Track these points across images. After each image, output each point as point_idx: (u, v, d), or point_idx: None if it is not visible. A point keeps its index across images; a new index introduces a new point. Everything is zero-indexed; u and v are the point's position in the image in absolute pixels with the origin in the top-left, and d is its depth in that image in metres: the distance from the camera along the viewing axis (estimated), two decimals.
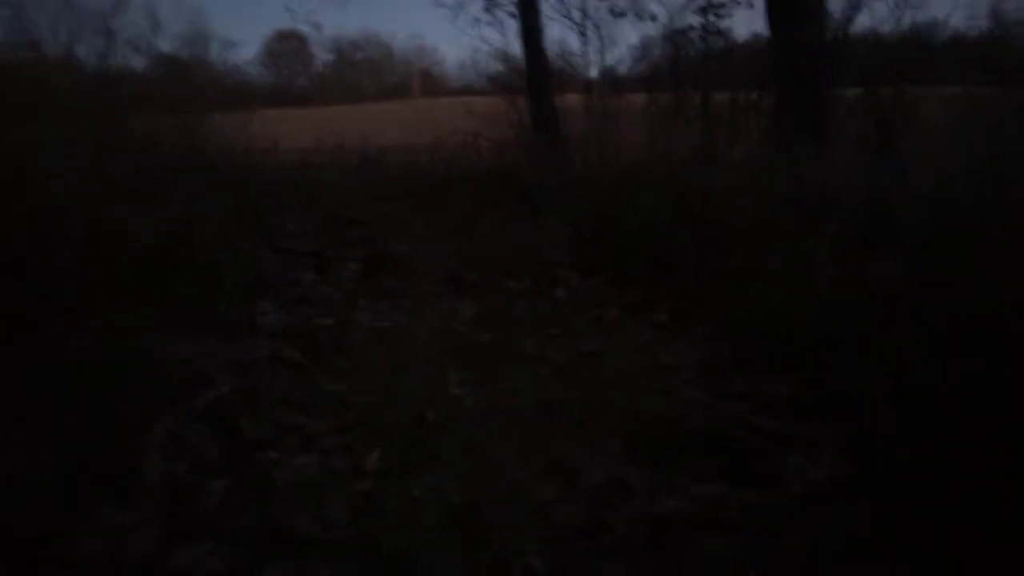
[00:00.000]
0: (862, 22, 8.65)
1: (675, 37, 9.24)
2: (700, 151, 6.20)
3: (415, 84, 35.36)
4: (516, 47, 9.00)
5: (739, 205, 4.02)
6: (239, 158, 8.78)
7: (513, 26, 8.69)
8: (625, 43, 10.52)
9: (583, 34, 8.33)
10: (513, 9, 8.51)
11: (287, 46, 41.94)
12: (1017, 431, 2.00)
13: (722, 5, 9.33)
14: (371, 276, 3.78)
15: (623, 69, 10.31)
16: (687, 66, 9.31)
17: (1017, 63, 10.90)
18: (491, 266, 3.90)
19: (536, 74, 8.43)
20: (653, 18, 9.33)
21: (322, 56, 42.09)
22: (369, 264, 3.95)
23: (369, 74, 42.71)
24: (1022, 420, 2.04)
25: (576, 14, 8.51)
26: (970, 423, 2.07)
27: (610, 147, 7.90)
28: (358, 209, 5.52)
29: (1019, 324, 2.52)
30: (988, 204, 3.71)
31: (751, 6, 9.43)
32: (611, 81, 9.31)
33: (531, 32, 8.39)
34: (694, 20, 9.15)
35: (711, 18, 9.14)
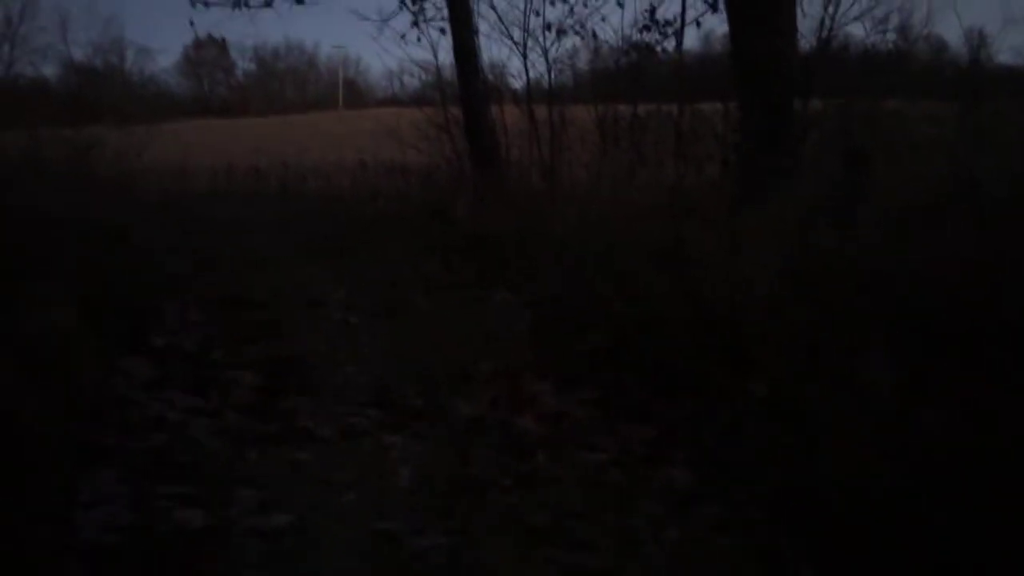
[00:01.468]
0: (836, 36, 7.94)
1: (623, 54, 8.44)
2: (671, 194, 5.35)
3: (339, 95, 34.28)
4: (447, 63, 8.07)
5: (744, 283, 3.15)
6: (125, 193, 7.62)
7: (444, 42, 7.75)
8: (568, 58, 9.61)
9: (523, 54, 7.42)
10: (444, 25, 7.55)
11: (207, 55, 40.21)
12: None
13: (668, 23, 8.56)
14: (270, 399, 2.76)
15: (567, 84, 9.46)
16: (640, 80, 8.47)
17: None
18: (433, 375, 2.93)
19: (472, 95, 7.49)
20: (595, 36, 8.53)
21: (243, 65, 40.52)
22: (270, 376, 2.94)
23: (292, 84, 41.49)
24: None
25: (515, 32, 7.60)
26: None
27: (560, 183, 7.00)
28: (266, 275, 4.48)
29: None
30: None
31: (698, 25, 8.69)
32: (555, 99, 8.42)
33: (465, 49, 7.45)
34: (640, 38, 8.39)
35: (657, 36, 8.37)
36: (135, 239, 4.67)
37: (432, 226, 6.09)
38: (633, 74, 8.47)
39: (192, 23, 8.38)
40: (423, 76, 9.11)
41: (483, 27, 7.73)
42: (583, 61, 9.49)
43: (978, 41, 10.93)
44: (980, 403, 2.25)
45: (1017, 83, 10.07)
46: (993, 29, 14.91)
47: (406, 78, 9.10)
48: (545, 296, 3.61)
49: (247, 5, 8.22)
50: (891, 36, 9.44)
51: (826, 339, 2.60)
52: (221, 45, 36.73)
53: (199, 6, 8.16)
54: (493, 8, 7.75)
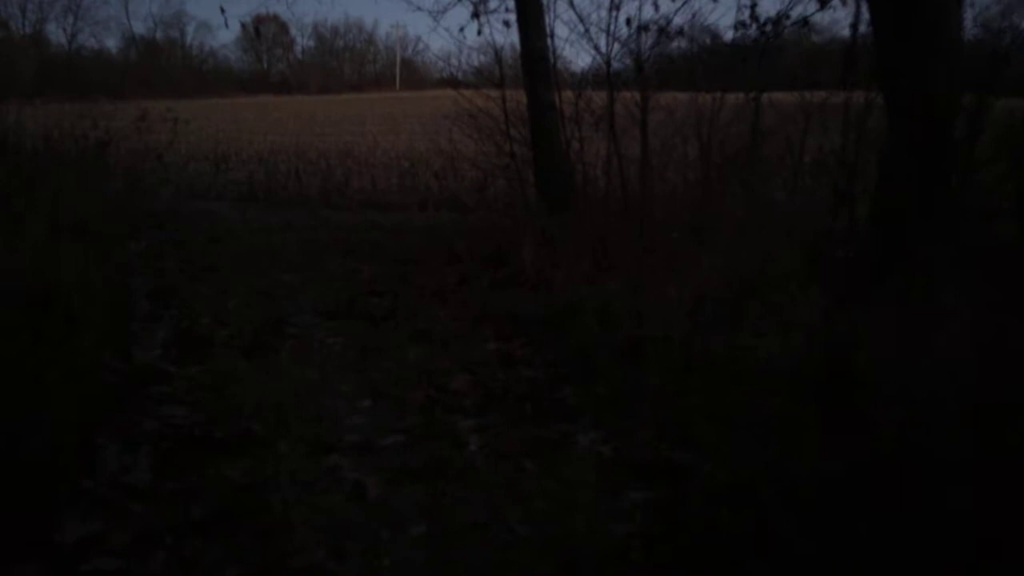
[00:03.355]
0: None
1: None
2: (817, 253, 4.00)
3: (396, 75, 33.57)
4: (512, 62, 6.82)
5: None
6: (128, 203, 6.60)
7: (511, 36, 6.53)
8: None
9: (607, 61, 6.02)
10: (510, 18, 6.33)
11: (266, 30, 39.59)
12: None
13: (770, 21, 6.93)
14: None
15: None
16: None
17: None
18: None
19: (540, 107, 6.25)
20: (681, 33, 7.06)
21: (303, 42, 39.93)
22: None
23: (350, 62, 40.97)
24: None
25: (597, 35, 6.19)
26: None
27: (653, 220, 5.68)
28: (268, 368, 3.35)
29: None
30: None
31: (805, 23, 7.12)
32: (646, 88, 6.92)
33: (534, 53, 6.21)
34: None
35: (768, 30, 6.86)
36: (97, 295, 3.57)
37: (487, 274, 4.93)
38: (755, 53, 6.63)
39: (223, 10, 7.40)
40: (482, 63, 7.76)
41: (559, 29, 6.46)
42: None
43: None
44: None
45: None
46: None
47: (465, 60, 7.86)
48: (660, 457, 2.40)
49: None
50: None
51: None
52: (281, 21, 36.19)
53: None
54: (572, 6, 6.38)
